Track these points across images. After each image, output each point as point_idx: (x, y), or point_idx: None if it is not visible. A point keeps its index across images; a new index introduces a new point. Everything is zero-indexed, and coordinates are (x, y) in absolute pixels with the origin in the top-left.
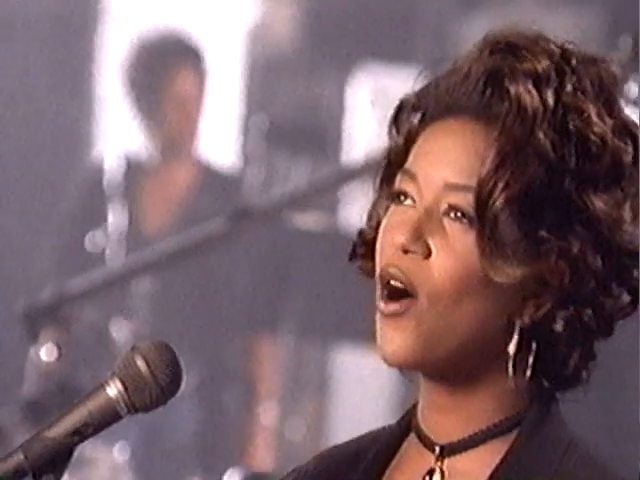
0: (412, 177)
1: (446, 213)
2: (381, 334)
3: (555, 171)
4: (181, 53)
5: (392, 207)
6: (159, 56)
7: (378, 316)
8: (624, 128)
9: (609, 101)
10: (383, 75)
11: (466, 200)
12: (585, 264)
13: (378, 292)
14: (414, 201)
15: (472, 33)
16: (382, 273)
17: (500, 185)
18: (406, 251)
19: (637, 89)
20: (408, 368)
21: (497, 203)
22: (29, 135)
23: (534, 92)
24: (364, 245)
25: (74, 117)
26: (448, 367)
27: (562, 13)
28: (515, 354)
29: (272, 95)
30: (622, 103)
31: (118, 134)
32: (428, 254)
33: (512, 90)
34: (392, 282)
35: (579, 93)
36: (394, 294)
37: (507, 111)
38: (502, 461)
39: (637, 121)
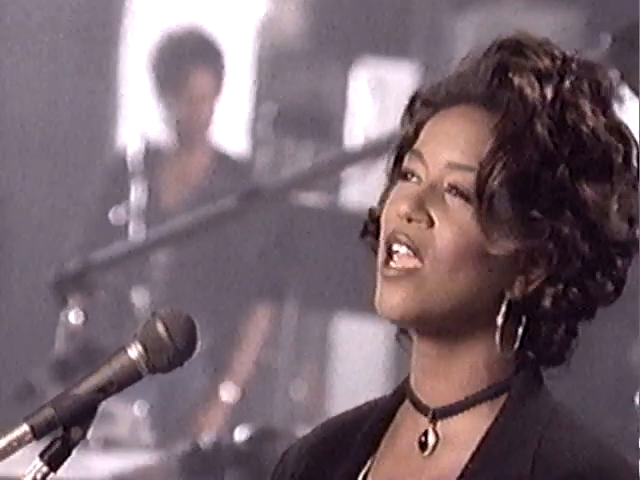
0: (419, 156)
1: (447, 190)
2: (381, 291)
3: (550, 158)
4: (200, 49)
5: (399, 183)
6: (180, 51)
7: (379, 277)
8: (616, 128)
9: (604, 103)
10: (381, 67)
11: (466, 179)
12: (573, 246)
13: (381, 257)
14: (420, 179)
15: (464, 29)
16: (389, 239)
17: (499, 166)
18: (410, 220)
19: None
20: (403, 323)
21: (495, 182)
22: (60, 120)
23: (536, 85)
24: (373, 223)
25: (101, 104)
26: (440, 327)
27: (546, 11)
28: (503, 325)
29: (280, 85)
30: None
31: (140, 120)
32: (431, 224)
33: (516, 81)
34: (398, 247)
35: (577, 91)
36: (400, 256)
37: (510, 100)
38: (493, 423)
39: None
